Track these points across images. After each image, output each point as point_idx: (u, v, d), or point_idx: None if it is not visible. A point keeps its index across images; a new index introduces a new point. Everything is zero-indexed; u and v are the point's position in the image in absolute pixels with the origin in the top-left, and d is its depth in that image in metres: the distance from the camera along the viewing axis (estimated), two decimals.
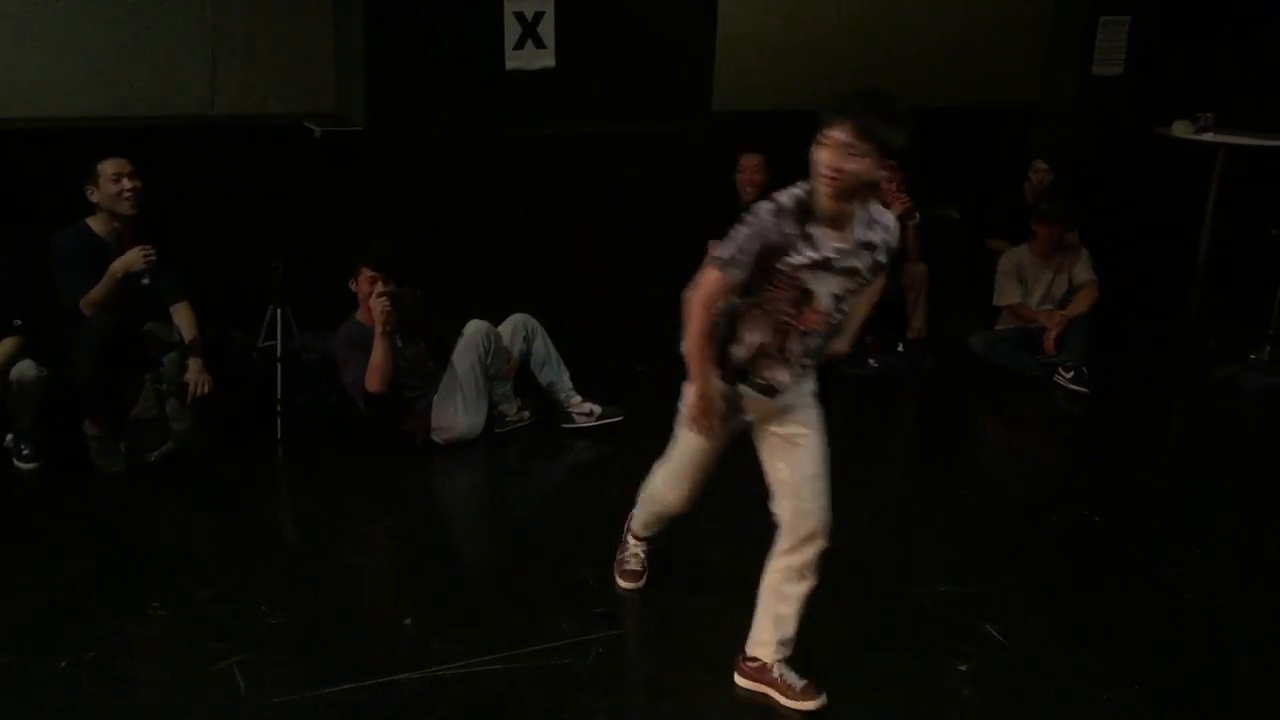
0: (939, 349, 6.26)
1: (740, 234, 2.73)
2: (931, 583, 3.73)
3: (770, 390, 2.95)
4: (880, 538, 4.10)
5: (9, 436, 4.67)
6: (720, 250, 2.76)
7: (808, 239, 2.72)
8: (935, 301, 6.26)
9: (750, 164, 5.98)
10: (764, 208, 2.74)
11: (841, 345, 3.13)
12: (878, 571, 3.80)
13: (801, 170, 2.73)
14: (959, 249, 6.60)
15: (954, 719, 3.03)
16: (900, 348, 6.24)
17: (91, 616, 3.45)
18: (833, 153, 2.65)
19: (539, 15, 5.66)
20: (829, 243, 2.75)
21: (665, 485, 3.39)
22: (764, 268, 2.75)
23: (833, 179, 2.66)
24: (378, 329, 4.78)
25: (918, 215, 6.10)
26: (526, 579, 3.77)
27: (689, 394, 3.00)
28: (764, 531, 3.12)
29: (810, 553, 2.98)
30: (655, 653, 3.23)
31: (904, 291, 6.21)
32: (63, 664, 3.16)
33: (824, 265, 2.75)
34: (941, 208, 6.64)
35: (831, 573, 3.69)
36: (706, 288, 2.80)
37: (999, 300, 6.30)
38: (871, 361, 6.11)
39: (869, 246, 2.80)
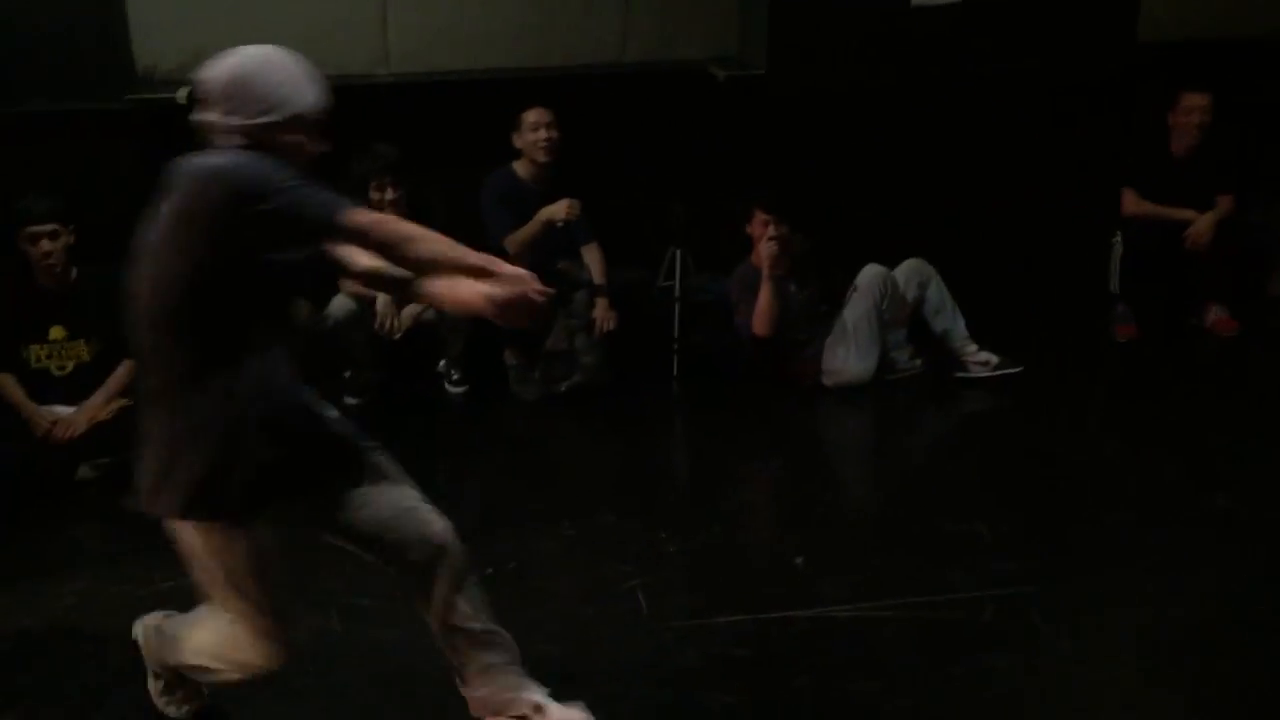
0: None
1: None
2: None
3: None
4: None
5: (442, 363, 5.16)
6: None
7: None
8: None
9: (1197, 104, 5.38)
10: None
11: None
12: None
13: (1248, 111, 2.42)
14: None
15: None
16: None
17: (511, 530, 3.77)
18: None
19: None
20: None
21: None
22: None
23: None
24: (765, 272, 4.84)
25: None
26: (917, 528, 3.72)
27: None
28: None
29: None
30: (1053, 615, 3.09)
31: None
32: (488, 570, 3.47)
33: None
34: None
35: (1274, 552, 3.41)
36: None
37: None
38: None
39: None
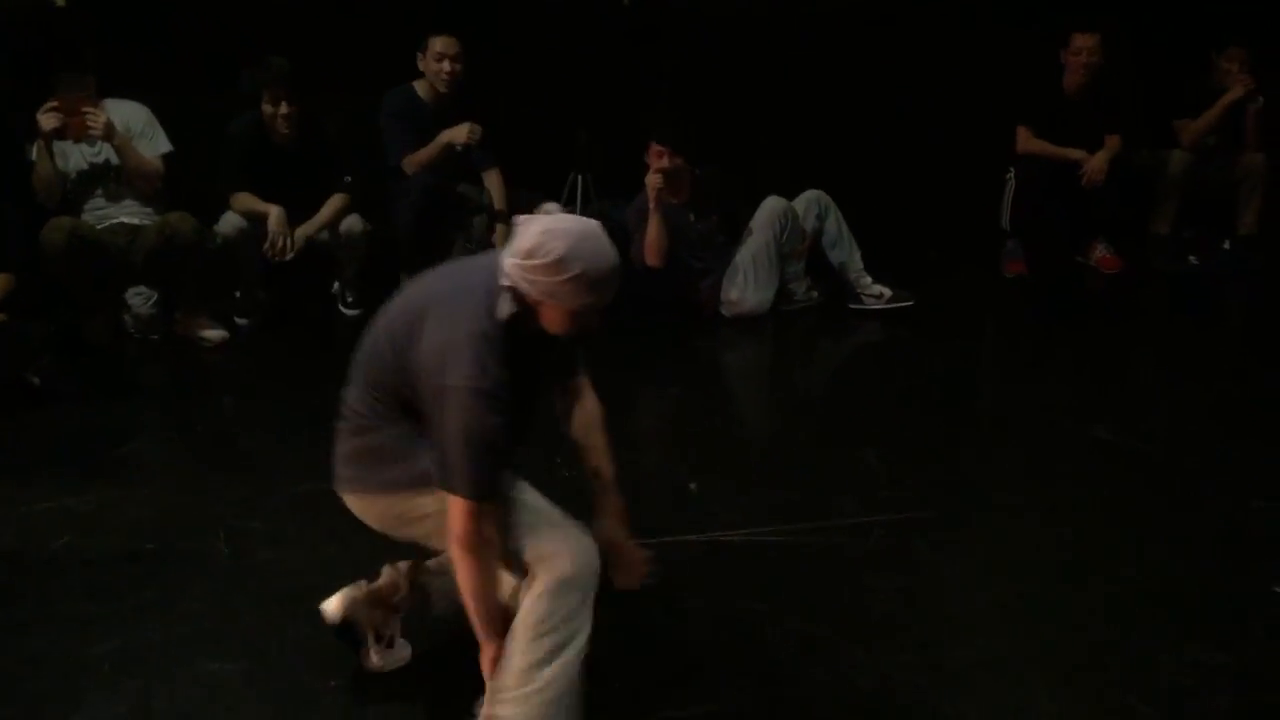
0: (1274, 249, 5.73)
1: None
2: (1250, 495, 3.47)
3: None
4: (1196, 447, 3.85)
5: (336, 284, 5.06)
6: None
7: None
8: (1274, 196, 5.71)
9: (1085, 44, 5.46)
10: None
11: None
12: (1196, 482, 3.58)
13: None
14: None
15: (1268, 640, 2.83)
16: (1227, 245, 5.75)
17: None
18: None
19: None
20: None
21: None
22: None
23: None
24: (650, 204, 4.82)
25: (1261, 99, 5.55)
26: (809, 456, 3.79)
27: None
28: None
29: None
30: (940, 542, 3.18)
31: (1237, 184, 5.70)
32: None
33: None
34: None
35: (1148, 481, 3.55)
36: None
37: None
38: (1192, 259, 5.68)
39: None
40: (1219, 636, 2.75)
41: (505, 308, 2.22)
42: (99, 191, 4.71)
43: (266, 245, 4.67)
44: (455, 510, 2.19)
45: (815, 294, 5.16)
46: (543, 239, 2.17)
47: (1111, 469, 3.66)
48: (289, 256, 4.69)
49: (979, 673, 2.62)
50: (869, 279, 5.13)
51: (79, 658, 2.65)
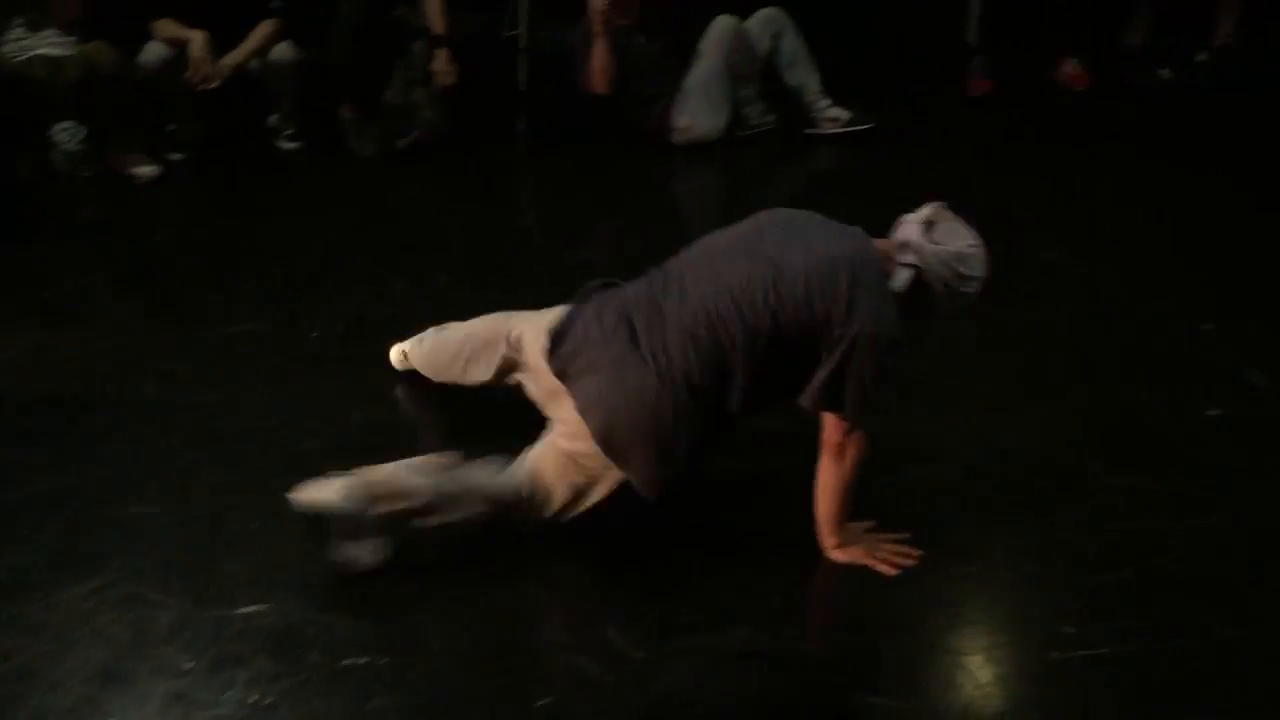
0: (1252, 62, 5.54)
1: None
2: (1192, 322, 3.44)
3: None
4: (1147, 271, 3.80)
5: (273, 117, 4.88)
6: None
7: None
8: (1253, 5, 5.50)
9: None
10: None
11: None
12: (1143, 306, 3.54)
13: None
14: None
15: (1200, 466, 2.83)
16: (1202, 58, 5.56)
17: (339, 290, 3.66)
18: None
19: None
20: None
21: None
22: None
23: None
24: (595, 27, 4.61)
25: None
26: None
27: None
28: None
29: None
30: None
31: None
32: (314, 334, 3.38)
33: None
34: None
35: (1093, 305, 3.51)
36: None
37: None
38: (1165, 72, 5.49)
39: None
40: (1152, 461, 2.75)
41: (902, 280, 2.34)
42: (19, 21, 4.50)
43: (189, 73, 4.48)
44: (840, 430, 2.35)
45: (771, 118, 5.00)
46: (975, 252, 2.36)
47: (1058, 292, 3.61)
48: (213, 85, 4.50)
49: (934, 495, 2.61)
50: (827, 101, 4.96)
51: (2, 502, 2.62)
